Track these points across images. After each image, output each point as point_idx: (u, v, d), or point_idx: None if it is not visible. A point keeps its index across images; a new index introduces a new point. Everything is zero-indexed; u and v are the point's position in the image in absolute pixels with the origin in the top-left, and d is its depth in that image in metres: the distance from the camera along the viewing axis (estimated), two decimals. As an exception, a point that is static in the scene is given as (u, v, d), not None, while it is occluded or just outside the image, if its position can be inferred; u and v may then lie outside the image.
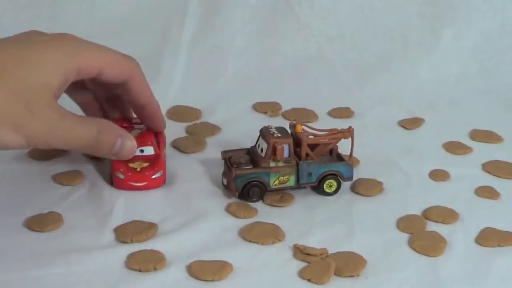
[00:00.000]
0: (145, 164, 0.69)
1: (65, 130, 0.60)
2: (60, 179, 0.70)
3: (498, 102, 0.89)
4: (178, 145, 0.77)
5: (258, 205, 0.68)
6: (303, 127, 0.70)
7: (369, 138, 0.79)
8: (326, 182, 0.69)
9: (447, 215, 0.67)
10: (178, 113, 0.84)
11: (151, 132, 0.71)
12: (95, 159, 0.73)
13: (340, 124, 0.76)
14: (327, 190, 0.69)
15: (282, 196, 0.69)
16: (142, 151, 0.69)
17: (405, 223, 0.65)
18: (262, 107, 0.87)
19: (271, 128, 0.70)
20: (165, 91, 0.87)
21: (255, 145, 0.70)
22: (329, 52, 0.95)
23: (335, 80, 0.92)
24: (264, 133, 0.69)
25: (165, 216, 0.65)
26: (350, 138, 0.70)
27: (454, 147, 0.79)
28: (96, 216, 0.65)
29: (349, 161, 0.70)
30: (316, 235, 0.64)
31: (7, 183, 0.70)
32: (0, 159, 0.73)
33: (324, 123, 0.78)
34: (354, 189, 0.70)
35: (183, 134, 0.80)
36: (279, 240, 0.63)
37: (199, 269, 0.58)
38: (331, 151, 0.71)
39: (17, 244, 0.61)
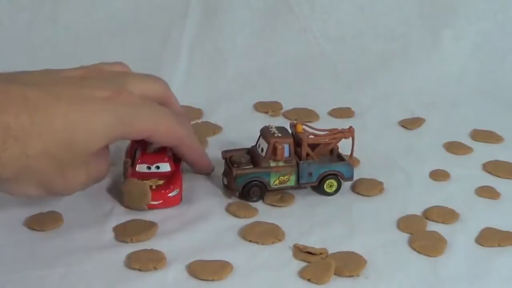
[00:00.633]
0: (161, 182, 0.67)
1: (88, 185, 0.62)
2: (60, 179, 0.70)
3: (499, 102, 0.89)
4: (178, 145, 0.77)
5: (258, 205, 0.68)
6: (303, 127, 0.70)
7: (370, 138, 0.79)
8: (327, 182, 0.69)
9: (448, 215, 0.67)
10: (179, 113, 0.84)
11: (169, 149, 0.69)
12: None
13: (341, 124, 0.76)
14: (328, 190, 0.69)
15: (282, 196, 0.69)
16: (158, 167, 0.67)
17: (405, 223, 0.65)
18: (263, 107, 0.87)
19: (271, 127, 0.69)
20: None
21: (256, 145, 0.70)
22: (330, 52, 0.95)
23: (335, 80, 0.92)
24: (265, 132, 0.69)
25: (165, 215, 0.65)
26: (350, 138, 0.70)
27: (454, 147, 0.79)
28: (96, 215, 0.65)
29: (350, 161, 0.70)
30: (316, 235, 0.63)
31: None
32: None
33: (325, 123, 0.78)
34: (354, 189, 0.70)
35: (183, 134, 0.80)
36: (279, 240, 0.63)
37: (199, 268, 0.58)
38: (331, 151, 0.71)
39: (17, 244, 0.61)
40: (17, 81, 0.57)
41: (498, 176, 0.74)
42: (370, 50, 0.95)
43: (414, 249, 0.62)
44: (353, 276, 0.58)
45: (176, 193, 0.66)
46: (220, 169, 0.70)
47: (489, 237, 0.64)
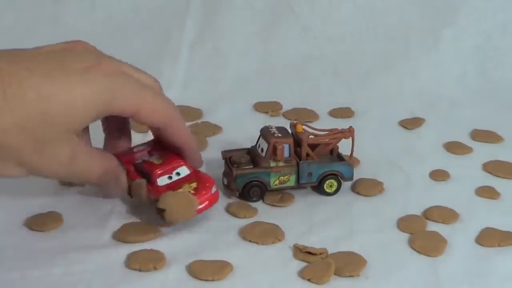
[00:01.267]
0: (194, 185, 0.64)
1: (71, 171, 0.58)
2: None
3: (499, 102, 0.89)
4: (178, 145, 0.77)
5: (258, 205, 0.68)
6: (303, 127, 0.70)
7: (370, 138, 0.79)
8: (327, 182, 0.69)
9: (447, 215, 0.67)
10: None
11: (172, 153, 0.65)
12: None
13: (341, 124, 0.76)
14: (328, 190, 0.69)
15: (282, 196, 0.69)
16: (178, 174, 0.64)
17: (405, 223, 0.65)
18: (263, 107, 0.87)
19: (271, 128, 0.69)
20: (166, 91, 0.86)
21: (256, 145, 0.70)
22: (330, 52, 0.95)
23: (335, 80, 0.92)
24: (265, 133, 0.69)
25: (165, 215, 0.65)
26: (350, 138, 0.70)
27: (454, 147, 0.79)
28: (96, 215, 0.65)
29: (350, 161, 0.70)
30: (316, 235, 0.63)
31: (7, 183, 0.69)
32: None
33: (325, 123, 0.78)
34: (354, 189, 0.70)
35: (183, 134, 0.80)
36: (279, 240, 0.63)
37: (199, 269, 0.58)
38: (331, 151, 0.71)
39: (17, 244, 0.61)
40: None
41: (498, 176, 0.74)
42: (370, 50, 0.95)
43: (414, 249, 0.62)
44: (353, 276, 0.58)
45: (215, 188, 0.64)
46: (220, 169, 0.70)
47: (489, 237, 0.64)
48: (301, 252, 0.61)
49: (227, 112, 0.86)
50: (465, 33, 0.95)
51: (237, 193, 0.68)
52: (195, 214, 0.62)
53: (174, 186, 0.63)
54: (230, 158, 0.69)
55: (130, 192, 0.64)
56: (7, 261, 0.59)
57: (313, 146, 0.69)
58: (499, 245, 0.63)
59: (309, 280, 0.58)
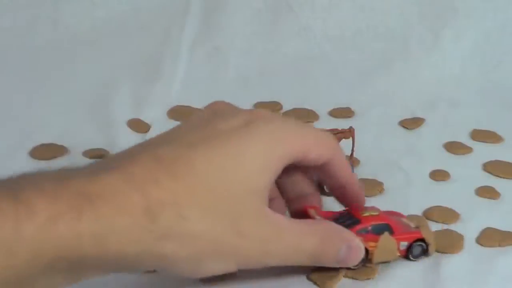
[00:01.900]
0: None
1: (282, 246, 0.51)
2: (60, 179, 0.70)
3: (499, 102, 0.89)
4: (178, 145, 0.77)
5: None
6: (303, 127, 0.70)
7: (370, 138, 0.79)
8: (327, 182, 0.69)
9: (448, 215, 0.67)
10: (179, 112, 0.84)
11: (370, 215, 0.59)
12: None
13: (341, 124, 0.76)
14: (328, 190, 0.69)
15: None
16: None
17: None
18: (263, 107, 0.87)
19: (271, 128, 0.69)
20: (166, 91, 0.88)
21: (256, 145, 0.70)
22: (330, 52, 0.95)
23: (335, 80, 0.92)
24: (265, 133, 0.69)
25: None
26: (350, 138, 0.70)
27: (454, 147, 0.79)
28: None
29: (350, 161, 0.70)
30: (316, 235, 0.63)
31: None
32: (0, 158, 0.73)
33: (325, 123, 0.78)
34: (354, 189, 0.70)
35: (183, 134, 0.80)
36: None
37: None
38: (331, 151, 0.70)
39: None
40: (145, 148, 0.50)
41: (498, 176, 0.74)
42: (370, 50, 0.95)
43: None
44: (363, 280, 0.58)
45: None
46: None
47: (489, 237, 0.64)
48: None
49: (227, 112, 0.86)
50: (465, 33, 0.95)
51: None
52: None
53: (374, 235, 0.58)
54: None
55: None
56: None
57: (313, 146, 0.69)
58: (499, 245, 0.63)
59: (315, 283, 0.57)
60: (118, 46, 0.93)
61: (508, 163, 0.76)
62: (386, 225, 0.58)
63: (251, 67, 0.93)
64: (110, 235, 0.45)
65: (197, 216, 0.47)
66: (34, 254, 0.43)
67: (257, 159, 0.50)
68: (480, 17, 0.95)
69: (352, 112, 0.87)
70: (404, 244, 0.59)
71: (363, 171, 0.73)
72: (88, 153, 0.75)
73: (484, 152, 0.78)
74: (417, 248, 0.59)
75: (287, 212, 0.59)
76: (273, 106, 0.87)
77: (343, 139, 0.70)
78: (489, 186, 0.72)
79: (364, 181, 0.71)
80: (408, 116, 0.86)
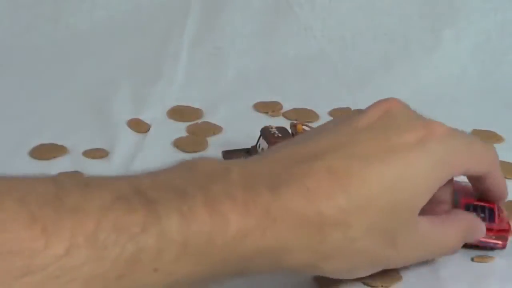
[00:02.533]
0: None
1: (428, 251, 0.54)
2: (60, 179, 0.70)
3: (499, 102, 0.89)
4: (179, 145, 0.77)
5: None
6: (304, 127, 0.70)
7: (370, 138, 0.78)
8: (327, 182, 0.69)
9: (448, 215, 0.67)
10: (179, 112, 0.84)
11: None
12: None
13: (341, 124, 0.76)
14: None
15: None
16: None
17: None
18: (263, 107, 0.87)
19: (271, 128, 0.69)
20: (166, 91, 0.87)
21: (256, 145, 0.70)
22: (330, 52, 0.95)
23: (335, 80, 0.92)
24: (265, 133, 0.69)
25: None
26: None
27: (454, 147, 0.79)
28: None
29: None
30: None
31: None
32: (0, 158, 0.73)
33: (325, 123, 0.78)
34: (354, 189, 0.70)
35: (184, 133, 0.80)
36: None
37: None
38: (331, 151, 0.70)
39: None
40: (316, 155, 0.49)
41: (498, 176, 0.74)
42: (370, 50, 0.95)
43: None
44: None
45: None
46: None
47: (489, 237, 0.64)
48: None
49: (227, 112, 0.86)
50: (465, 33, 0.95)
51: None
52: None
53: None
54: (230, 158, 0.69)
55: None
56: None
57: (313, 146, 0.69)
58: (499, 245, 0.63)
59: (317, 282, 0.56)
60: (118, 46, 0.93)
61: (508, 163, 0.76)
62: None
63: (251, 67, 0.93)
64: (285, 253, 0.47)
65: (362, 235, 0.48)
66: (221, 261, 0.45)
67: (425, 182, 0.51)
68: (480, 17, 0.95)
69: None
70: None
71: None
72: (88, 153, 0.75)
73: (484, 152, 0.78)
74: None
75: None
76: (273, 106, 0.87)
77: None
78: (489, 186, 0.71)
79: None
80: (408, 116, 0.85)
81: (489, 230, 0.59)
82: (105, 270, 0.40)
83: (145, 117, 0.82)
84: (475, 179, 0.58)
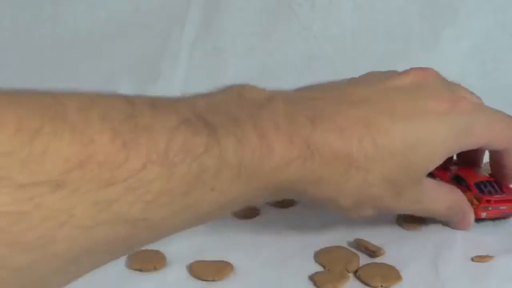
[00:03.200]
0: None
1: (418, 207, 0.58)
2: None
3: (499, 102, 0.89)
4: (178, 145, 0.77)
5: (259, 205, 0.68)
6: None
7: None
8: (327, 182, 0.69)
9: (448, 215, 0.67)
10: (179, 113, 0.84)
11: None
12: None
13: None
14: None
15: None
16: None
17: (406, 223, 0.65)
18: (263, 107, 0.87)
19: (271, 128, 0.69)
20: (166, 91, 0.87)
21: (256, 145, 0.70)
22: (330, 52, 0.95)
23: (335, 80, 0.92)
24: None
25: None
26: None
27: (454, 147, 0.79)
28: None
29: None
30: (316, 236, 0.63)
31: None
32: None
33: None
34: (354, 189, 0.70)
35: (183, 134, 0.80)
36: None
37: (199, 269, 0.58)
38: (331, 151, 0.70)
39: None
40: (351, 103, 0.54)
41: (498, 176, 0.74)
42: (370, 50, 0.95)
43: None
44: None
45: None
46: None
47: (489, 237, 0.64)
48: (358, 245, 0.60)
49: (227, 112, 0.86)
50: (465, 33, 0.95)
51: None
52: None
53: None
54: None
55: None
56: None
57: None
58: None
59: (314, 283, 0.57)
60: (118, 46, 0.93)
61: (508, 163, 0.76)
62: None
63: (251, 67, 0.93)
64: (314, 185, 0.52)
65: (377, 183, 0.53)
66: (265, 185, 0.49)
67: (441, 150, 0.55)
68: (480, 17, 0.95)
69: (352, 112, 0.87)
70: None
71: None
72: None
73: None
74: None
75: None
76: (273, 106, 0.87)
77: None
78: (489, 186, 0.72)
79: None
80: (408, 116, 0.85)
81: (502, 201, 0.62)
82: (173, 186, 0.43)
83: (145, 117, 0.82)
84: (494, 154, 0.61)
